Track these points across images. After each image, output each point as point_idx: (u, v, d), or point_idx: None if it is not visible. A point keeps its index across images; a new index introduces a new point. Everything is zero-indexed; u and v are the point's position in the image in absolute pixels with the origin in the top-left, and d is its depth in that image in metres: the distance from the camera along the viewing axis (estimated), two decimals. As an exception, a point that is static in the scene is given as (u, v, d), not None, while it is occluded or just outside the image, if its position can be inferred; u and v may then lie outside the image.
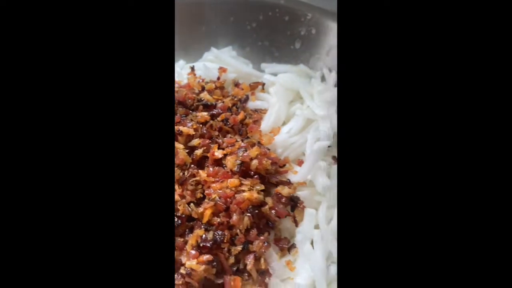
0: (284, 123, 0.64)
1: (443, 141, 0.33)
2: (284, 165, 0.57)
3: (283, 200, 0.53)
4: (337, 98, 0.56)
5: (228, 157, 0.54)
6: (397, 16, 0.35)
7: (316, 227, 0.53)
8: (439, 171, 0.33)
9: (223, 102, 0.65)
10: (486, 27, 0.33)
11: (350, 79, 0.35)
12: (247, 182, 0.52)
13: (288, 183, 0.55)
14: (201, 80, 0.69)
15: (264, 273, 0.50)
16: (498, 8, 0.33)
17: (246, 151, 0.54)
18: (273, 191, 0.54)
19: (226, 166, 0.54)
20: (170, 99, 0.37)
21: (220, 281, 0.48)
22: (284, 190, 0.53)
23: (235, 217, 0.49)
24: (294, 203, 0.53)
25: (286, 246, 0.52)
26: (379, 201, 0.33)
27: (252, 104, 0.67)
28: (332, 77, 0.68)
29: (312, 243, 0.52)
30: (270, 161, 0.54)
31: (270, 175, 0.55)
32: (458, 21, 0.34)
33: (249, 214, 0.49)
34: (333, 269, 0.50)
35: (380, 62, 0.35)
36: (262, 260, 0.49)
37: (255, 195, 0.50)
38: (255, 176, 0.54)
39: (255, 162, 0.53)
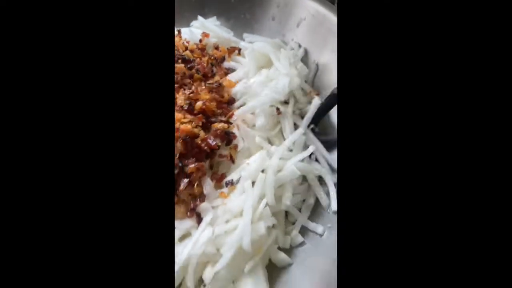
0: (250, 81, 0.72)
1: (444, 145, 0.33)
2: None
3: (219, 132, 0.60)
4: (337, 95, 0.63)
5: (180, 96, 0.62)
6: (397, 12, 0.35)
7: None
8: (441, 173, 0.33)
9: (201, 59, 0.74)
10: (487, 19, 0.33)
11: (350, 75, 0.35)
12: (190, 116, 0.60)
13: (227, 122, 0.63)
14: (185, 42, 0.79)
15: (195, 196, 0.56)
16: (498, 7, 0.33)
17: (193, 92, 0.63)
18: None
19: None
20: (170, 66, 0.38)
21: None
22: (219, 125, 0.61)
23: None
24: (228, 137, 0.60)
25: (223, 182, 0.58)
26: (379, 199, 0.33)
27: (227, 64, 0.76)
28: (300, 51, 0.76)
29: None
30: (214, 103, 0.62)
31: (215, 115, 0.63)
32: (457, 16, 0.34)
33: (181, 141, 0.56)
34: (262, 205, 0.54)
35: (380, 58, 0.34)
36: (195, 185, 0.56)
37: (189, 126, 0.58)
38: (199, 115, 0.61)
39: (199, 104, 0.62)
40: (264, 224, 0.53)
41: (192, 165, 0.56)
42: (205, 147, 0.58)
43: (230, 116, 0.64)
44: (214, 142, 0.59)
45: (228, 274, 0.50)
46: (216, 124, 0.62)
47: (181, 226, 0.55)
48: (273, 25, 0.81)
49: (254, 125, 0.63)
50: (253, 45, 0.76)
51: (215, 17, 0.85)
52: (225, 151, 0.61)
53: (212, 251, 0.50)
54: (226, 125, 0.62)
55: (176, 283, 0.52)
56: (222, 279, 0.49)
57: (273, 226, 0.56)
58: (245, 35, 0.83)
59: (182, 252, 0.50)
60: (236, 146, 0.61)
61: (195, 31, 0.81)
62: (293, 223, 0.59)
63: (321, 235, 0.56)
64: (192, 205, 0.56)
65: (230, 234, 0.51)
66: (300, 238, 0.57)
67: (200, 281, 0.52)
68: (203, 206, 0.55)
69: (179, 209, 0.55)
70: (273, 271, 0.54)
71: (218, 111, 0.64)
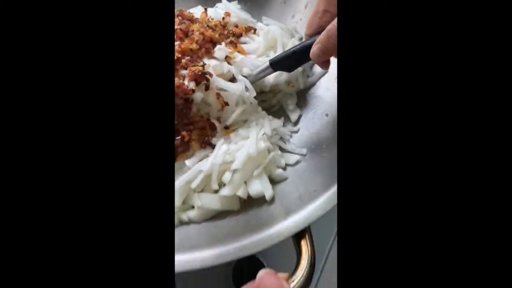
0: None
1: (444, 145, 0.33)
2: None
3: (196, 71, 0.63)
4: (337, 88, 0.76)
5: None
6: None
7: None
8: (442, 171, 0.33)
9: (223, 31, 0.92)
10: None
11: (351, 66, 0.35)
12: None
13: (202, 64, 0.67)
14: (210, 19, 0.97)
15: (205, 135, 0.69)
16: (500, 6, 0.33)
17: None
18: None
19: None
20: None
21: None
22: (195, 67, 0.64)
23: None
24: (205, 78, 0.64)
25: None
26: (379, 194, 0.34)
27: (243, 39, 0.94)
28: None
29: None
30: (195, 43, 0.68)
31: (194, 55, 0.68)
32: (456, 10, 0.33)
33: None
34: (262, 132, 0.72)
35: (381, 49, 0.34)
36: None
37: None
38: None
39: (177, 44, 0.65)
40: (264, 143, 0.71)
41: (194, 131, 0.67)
42: (181, 94, 0.62)
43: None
44: (189, 87, 0.62)
45: (241, 176, 0.68)
46: (191, 67, 0.64)
47: (199, 154, 0.70)
48: (284, 7, 0.99)
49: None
50: (269, 27, 0.93)
51: (236, 1, 1.03)
52: (202, 95, 0.67)
53: (230, 159, 0.68)
54: (201, 68, 0.63)
55: (200, 188, 0.70)
56: (237, 179, 0.67)
57: (269, 150, 0.73)
58: (263, 18, 1.00)
59: (206, 163, 0.68)
60: (214, 91, 0.68)
61: (219, 11, 0.99)
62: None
63: (304, 155, 0.75)
64: (205, 139, 0.71)
65: (241, 149, 0.69)
66: (293, 158, 0.75)
67: (220, 183, 0.69)
68: (214, 139, 0.72)
69: (194, 146, 0.71)
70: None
71: (196, 48, 0.67)
